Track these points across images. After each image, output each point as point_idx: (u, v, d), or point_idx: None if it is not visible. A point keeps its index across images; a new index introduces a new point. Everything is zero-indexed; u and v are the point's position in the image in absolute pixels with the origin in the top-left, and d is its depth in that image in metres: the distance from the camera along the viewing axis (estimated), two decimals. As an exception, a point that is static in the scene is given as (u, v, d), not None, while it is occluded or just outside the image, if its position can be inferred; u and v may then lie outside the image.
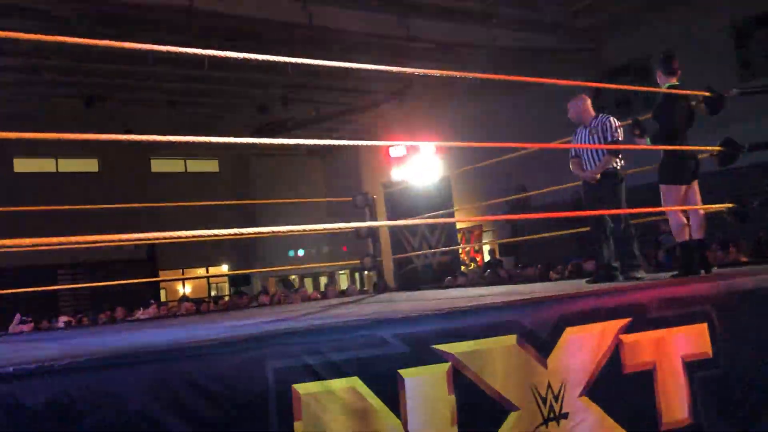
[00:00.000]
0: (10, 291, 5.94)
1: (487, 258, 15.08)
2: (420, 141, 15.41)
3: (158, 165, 19.89)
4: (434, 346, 2.58)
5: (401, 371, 2.49)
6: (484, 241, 16.02)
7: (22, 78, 11.98)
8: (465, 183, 14.38)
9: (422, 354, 2.55)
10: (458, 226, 14.96)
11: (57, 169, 18.14)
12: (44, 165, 17.90)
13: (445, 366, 2.56)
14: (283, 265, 18.03)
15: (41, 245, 2.43)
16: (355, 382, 2.40)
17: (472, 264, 15.81)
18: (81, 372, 2.04)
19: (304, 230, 2.91)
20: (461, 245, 15.67)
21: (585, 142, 4.61)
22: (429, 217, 8.12)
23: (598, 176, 4.55)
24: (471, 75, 3.63)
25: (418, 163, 13.75)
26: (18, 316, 8.34)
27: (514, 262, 13.83)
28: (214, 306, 11.52)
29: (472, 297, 4.11)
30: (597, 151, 4.59)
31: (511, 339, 2.70)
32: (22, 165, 17.64)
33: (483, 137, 5.77)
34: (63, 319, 9.80)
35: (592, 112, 4.76)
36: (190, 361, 2.22)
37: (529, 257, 12.97)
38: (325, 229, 3.29)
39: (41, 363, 2.00)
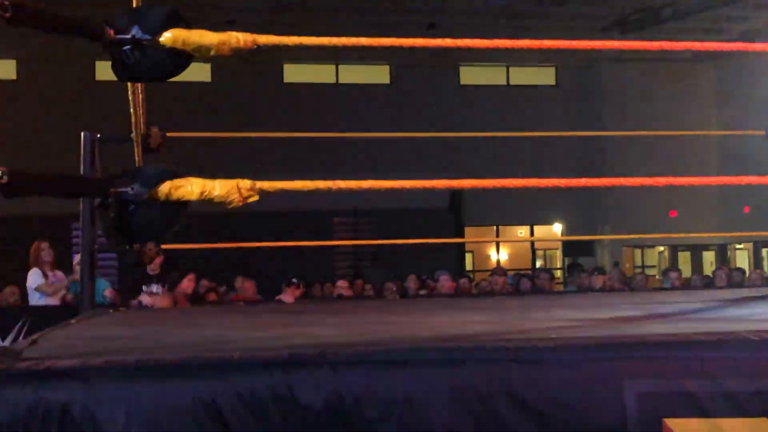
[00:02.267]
0: (271, 244, 6.67)
1: None
2: None
3: (470, 74, 20.76)
4: None
5: (841, 419, 2.33)
6: None
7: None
8: None
9: None
10: None
11: (337, 79, 20.01)
12: (322, 73, 19.87)
13: None
14: (645, 231, 17.70)
15: (319, 190, 2.71)
16: (763, 426, 2.31)
17: None
18: (369, 367, 2.25)
19: (673, 182, 2.82)
20: None
21: None
22: None
23: None
24: None
25: None
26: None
27: None
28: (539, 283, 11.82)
29: None
30: None
31: None
32: (294, 73, 19.80)
33: None
34: (341, 285, 10.91)
35: None
36: (514, 367, 2.32)
37: None
38: (714, 181, 3.15)
39: (323, 350, 2.27)
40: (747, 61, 18.43)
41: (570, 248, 20.57)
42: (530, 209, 19.12)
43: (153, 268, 8.80)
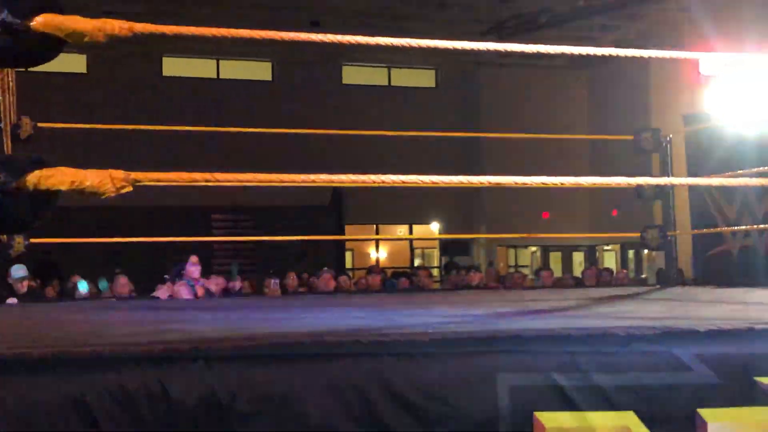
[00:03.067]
0: (135, 239, 6.54)
1: None
2: (749, 53, 14.44)
3: (352, 74, 20.77)
4: (760, 380, 2.47)
5: (703, 412, 2.42)
6: None
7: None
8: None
9: (739, 389, 2.46)
10: (805, 190, 13.91)
11: (218, 74, 19.71)
12: (202, 68, 19.54)
13: (776, 412, 2.44)
14: (519, 231, 18.12)
15: (196, 182, 2.65)
16: (629, 419, 2.38)
17: (824, 253, 14.67)
18: (245, 362, 2.22)
19: (548, 183, 2.88)
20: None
21: None
22: (759, 176, 7.62)
23: None
24: None
25: (745, 88, 12.93)
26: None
27: None
28: (417, 281, 11.93)
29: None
30: None
31: None
32: (173, 66, 19.40)
33: None
34: (218, 281, 10.74)
35: None
36: (390, 361, 2.32)
37: None
38: (587, 184, 3.23)
39: (196, 345, 2.22)
40: (618, 70, 19.06)
41: (447, 247, 20.85)
42: (409, 209, 19.30)
43: (20, 288, 8.49)
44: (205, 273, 12.49)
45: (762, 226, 10.56)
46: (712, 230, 10.66)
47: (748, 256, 10.89)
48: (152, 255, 13.51)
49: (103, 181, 2.33)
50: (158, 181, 2.54)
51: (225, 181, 2.65)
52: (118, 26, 2.48)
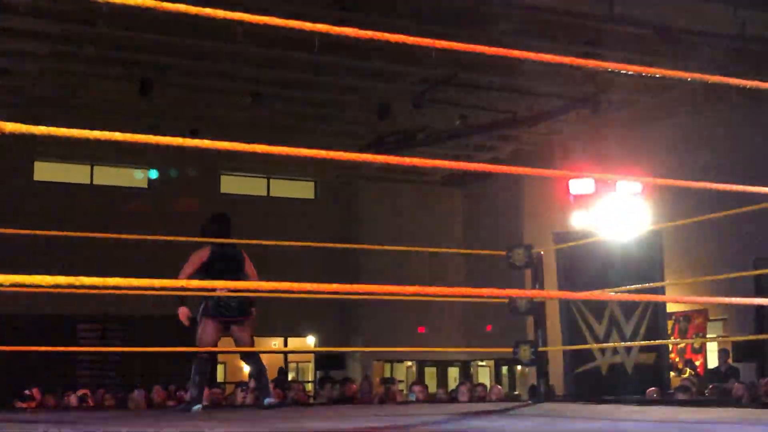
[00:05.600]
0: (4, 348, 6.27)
1: (713, 363, 14.42)
2: (617, 175, 15.18)
3: (230, 183, 20.75)
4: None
5: None
6: (709, 335, 15.35)
7: (57, 50, 12.98)
8: (684, 242, 13.90)
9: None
10: (670, 308, 14.47)
11: (92, 180, 19.39)
12: (75, 173, 19.20)
13: None
14: (395, 345, 18.16)
15: (60, 287, 2.58)
16: None
17: (688, 370, 15.18)
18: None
19: (423, 295, 2.92)
20: (673, 339, 15.11)
21: None
22: (625, 292, 7.89)
23: None
24: (701, 77, 3.53)
25: (611, 208, 13.50)
26: None
27: (757, 372, 13.15)
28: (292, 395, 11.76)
29: (688, 423, 3.95)
30: None
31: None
32: (44, 171, 19.01)
33: (718, 173, 5.63)
34: (78, 394, 10.36)
35: None
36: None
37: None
38: (461, 297, 3.28)
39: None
40: (491, 187, 19.66)
41: (322, 362, 20.65)
42: (285, 321, 19.09)
43: None
44: (70, 386, 12.04)
45: (629, 343, 10.94)
46: (582, 347, 10.98)
47: (617, 373, 11.23)
48: (12, 366, 12.95)
49: (-41, 283, 2.24)
50: (20, 285, 2.45)
51: (92, 286, 2.57)
52: (-15, 125, 2.42)
